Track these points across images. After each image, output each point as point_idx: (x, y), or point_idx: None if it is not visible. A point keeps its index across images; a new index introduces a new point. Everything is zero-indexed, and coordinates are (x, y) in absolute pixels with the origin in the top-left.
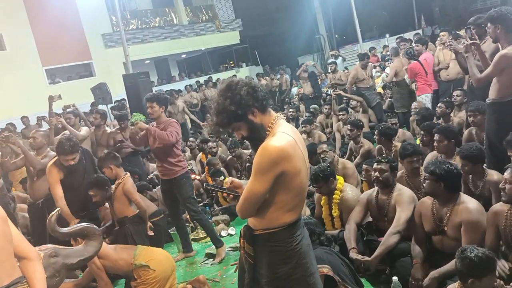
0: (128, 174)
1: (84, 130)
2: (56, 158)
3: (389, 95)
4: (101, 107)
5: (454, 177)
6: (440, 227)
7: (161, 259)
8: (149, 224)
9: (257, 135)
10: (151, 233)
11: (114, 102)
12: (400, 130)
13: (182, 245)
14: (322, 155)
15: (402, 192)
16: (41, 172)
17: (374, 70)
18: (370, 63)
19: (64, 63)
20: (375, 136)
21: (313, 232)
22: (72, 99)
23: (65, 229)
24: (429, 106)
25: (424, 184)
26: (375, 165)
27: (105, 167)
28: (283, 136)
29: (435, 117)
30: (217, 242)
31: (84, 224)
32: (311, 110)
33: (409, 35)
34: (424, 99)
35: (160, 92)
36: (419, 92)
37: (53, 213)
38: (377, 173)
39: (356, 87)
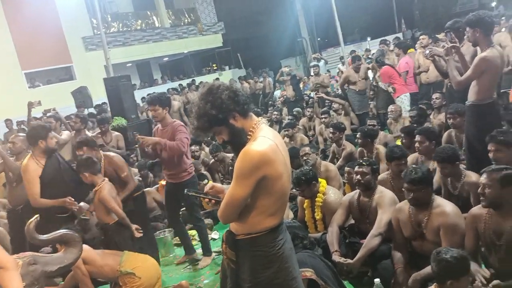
0: (106, 180)
1: (65, 134)
2: (30, 155)
3: (371, 96)
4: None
5: (433, 178)
6: (418, 232)
7: (147, 266)
8: (134, 226)
9: (238, 139)
10: (138, 234)
11: (95, 107)
12: (381, 132)
13: (184, 247)
14: (304, 158)
15: (383, 194)
16: (21, 177)
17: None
18: (363, 65)
19: (44, 67)
20: (356, 140)
21: (296, 236)
22: (52, 103)
23: (44, 236)
24: (408, 106)
25: (414, 195)
26: (356, 168)
27: (80, 173)
28: (264, 140)
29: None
30: (207, 250)
31: (63, 231)
32: (294, 113)
33: (390, 38)
34: (403, 98)
35: (161, 93)
36: (397, 94)
37: (31, 219)
38: (358, 176)
39: (348, 88)
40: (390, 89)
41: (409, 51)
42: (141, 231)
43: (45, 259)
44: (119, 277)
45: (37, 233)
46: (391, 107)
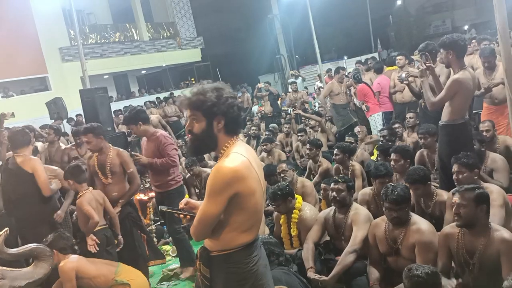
0: (90, 189)
1: (38, 146)
2: (22, 155)
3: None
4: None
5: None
6: (393, 248)
7: (140, 282)
8: (92, 237)
9: (202, 140)
10: (92, 249)
11: (67, 120)
12: (358, 150)
13: (180, 259)
14: (282, 174)
15: (358, 212)
16: None
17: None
18: (346, 77)
19: (18, 76)
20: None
21: (272, 252)
22: (26, 114)
23: (13, 250)
24: (380, 125)
25: (396, 215)
26: (332, 185)
27: (66, 179)
28: (237, 156)
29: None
30: (190, 260)
31: (34, 245)
32: (271, 128)
33: (365, 57)
34: (376, 118)
35: (135, 111)
36: (370, 112)
37: (0, 233)
38: (334, 193)
39: (330, 102)
40: (364, 107)
41: (388, 68)
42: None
43: (13, 274)
44: (113, 287)
45: (6, 247)
46: (357, 128)
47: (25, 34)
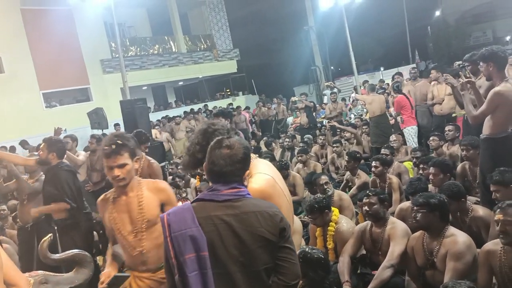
0: None
1: (82, 155)
2: None
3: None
4: (97, 132)
5: (446, 206)
6: (430, 260)
7: None
8: None
9: None
10: None
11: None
12: (395, 162)
13: None
14: (325, 187)
15: (396, 226)
16: (31, 196)
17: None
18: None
19: (61, 87)
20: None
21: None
22: (68, 123)
23: (56, 255)
24: (415, 138)
25: (417, 217)
26: (364, 199)
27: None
28: (261, 176)
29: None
30: None
31: (76, 251)
32: (306, 140)
33: (403, 69)
34: (410, 131)
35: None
36: (404, 125)
37: (45, 238)
38: (366, 207)
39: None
40: (398, 119)
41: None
42: None
43: (56, 279)
44: None
45: (50, 253)
46: (393, 136)
47: (68, 47)
